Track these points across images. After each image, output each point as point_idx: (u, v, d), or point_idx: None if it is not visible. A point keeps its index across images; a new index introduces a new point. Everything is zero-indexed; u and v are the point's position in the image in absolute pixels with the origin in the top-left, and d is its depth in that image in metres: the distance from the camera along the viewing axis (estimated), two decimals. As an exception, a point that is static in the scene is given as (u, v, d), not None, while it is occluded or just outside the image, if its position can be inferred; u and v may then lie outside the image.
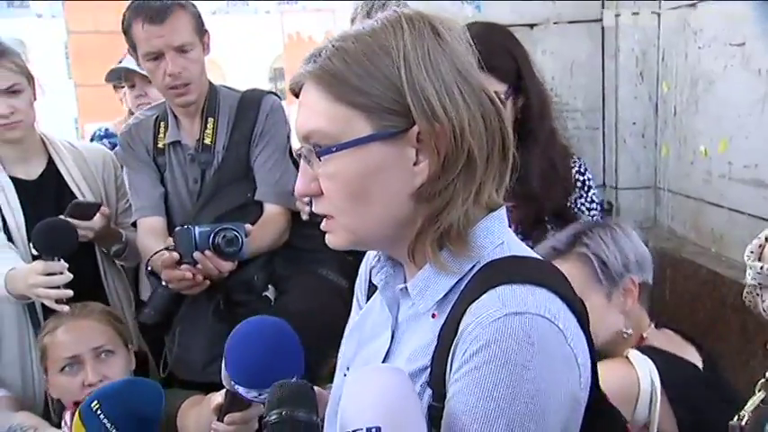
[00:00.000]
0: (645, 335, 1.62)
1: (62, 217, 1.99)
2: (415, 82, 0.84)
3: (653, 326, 1.65)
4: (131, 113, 2.88)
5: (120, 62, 2.82)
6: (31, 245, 1.98)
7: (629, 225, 1.69)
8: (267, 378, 1.14)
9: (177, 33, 1.99)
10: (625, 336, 1.60)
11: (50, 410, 1.99)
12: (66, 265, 1.82)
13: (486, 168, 0.87)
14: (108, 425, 1.21)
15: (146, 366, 2.09)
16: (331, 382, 1.15)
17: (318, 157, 0.87)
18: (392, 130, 0.85)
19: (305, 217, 2.01)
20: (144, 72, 2.65)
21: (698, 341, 1.63)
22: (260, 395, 1.17)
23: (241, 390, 1.20)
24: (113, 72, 2.82)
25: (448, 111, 0.84)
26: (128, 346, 1.92)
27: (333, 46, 0.87)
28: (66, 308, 1.82)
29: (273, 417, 0.83)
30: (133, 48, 2.05)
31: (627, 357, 1.49)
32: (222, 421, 1.33)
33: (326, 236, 0.93)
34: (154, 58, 2.01)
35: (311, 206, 1.97)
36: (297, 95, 0.91)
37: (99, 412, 1.22)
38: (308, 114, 0.89)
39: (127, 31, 2.02)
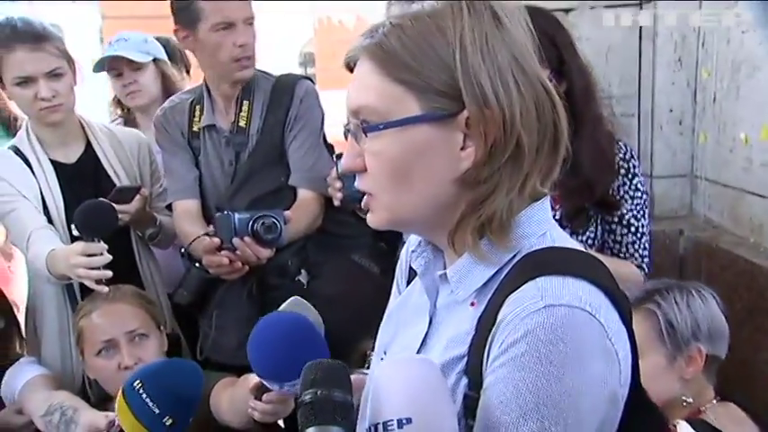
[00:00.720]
0: (703, 408, 1.57)
1: (103, 199, 2.01)
2: (469, 65, 0.82)
3: (715, 401, 1.59)
4: (118, 102, 2.84)
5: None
6: (71, 227, 2.01)
7: (710, 292, 1.63)
8: (288, 371, 1.14)
9: (249, 6, 2.03)
10: (684, 404, 1.56)
11: (87, 390, 2.03)
12: (106, 247, 1.85)
13: (534, 159, 0.85)
14: (150, 403, 1.24)
15: (178, 348, 2.11)
16: (360, 367, 1.16)
17: (365, 133, 0.87)
18: (441, 113, 0.84)
19: (337, 203, 2.01)
20: (132, 58, 2.57)
21: (762, 419, 1.56)
22: (281, 387, 1.19)
23: (266, 382, 1.21)
24: (99, 63, 2.71)
25: (500, 97, 0.83)
26: (160, 329, 1.94)
27: (390, 23, 0.87)
28: (105, 288, 1.84)
29: (308, 397, 0.79)
30: (196, 20, 2.00)
31: (675, 427, 1.44)
32: (260, 400, 1.36)
33: (368, 215, 0.93)
34: (225, 27, 2.00)
35: (343, 192, 1.97)
36: (351, 70, 0.91)
37: (141, 391, 1.25)
38: (358, 89, 0.88)
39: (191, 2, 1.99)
